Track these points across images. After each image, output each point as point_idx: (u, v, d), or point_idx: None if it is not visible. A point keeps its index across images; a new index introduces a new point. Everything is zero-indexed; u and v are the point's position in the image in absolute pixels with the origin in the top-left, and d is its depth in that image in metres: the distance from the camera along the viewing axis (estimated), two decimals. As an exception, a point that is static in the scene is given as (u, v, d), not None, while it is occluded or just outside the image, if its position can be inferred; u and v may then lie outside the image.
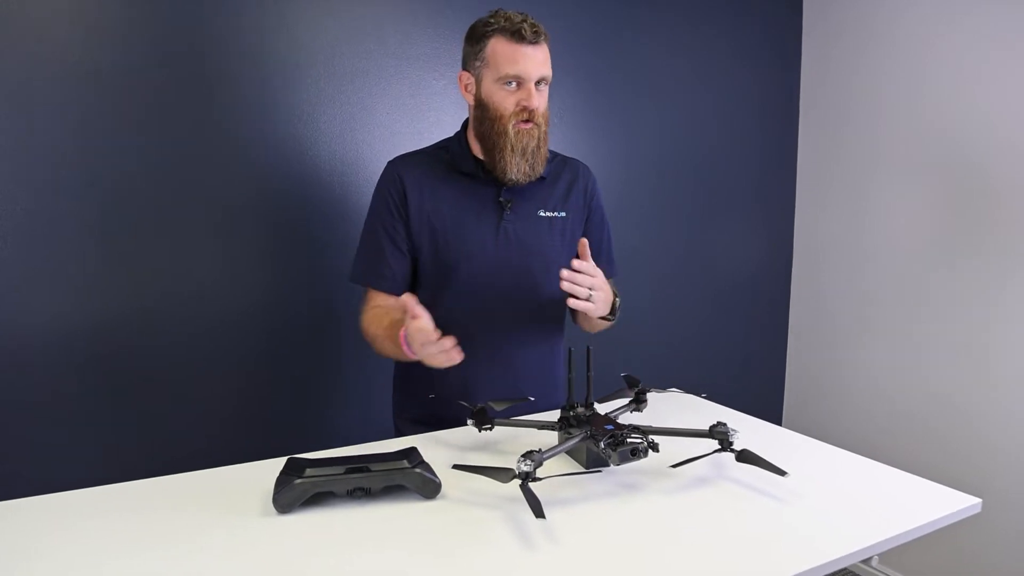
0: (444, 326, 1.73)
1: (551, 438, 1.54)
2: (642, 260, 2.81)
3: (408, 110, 2.34)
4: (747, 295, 3.22)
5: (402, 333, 1.52)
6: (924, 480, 1.41)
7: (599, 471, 1.40)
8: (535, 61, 1.63)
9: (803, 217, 3.27)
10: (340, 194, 2.26)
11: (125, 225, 1.99)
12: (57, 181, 1.90)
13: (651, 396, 1.63)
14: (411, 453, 1.33)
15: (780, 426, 1.78)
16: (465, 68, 1.71)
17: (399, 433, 1.82)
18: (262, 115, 2.13)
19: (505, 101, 1.65)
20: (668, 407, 1.75)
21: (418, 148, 1.83)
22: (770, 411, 3.38)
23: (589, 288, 1.55)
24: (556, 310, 1.84)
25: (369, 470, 1.27)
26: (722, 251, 3.12)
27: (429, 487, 1.29)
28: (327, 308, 2.28)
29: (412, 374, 1.77)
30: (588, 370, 1.57)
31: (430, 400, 1.75)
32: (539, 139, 1.68)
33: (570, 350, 1.58)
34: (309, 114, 2.19)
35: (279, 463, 1.30)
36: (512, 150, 1.66)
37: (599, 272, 1.57)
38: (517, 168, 1.67)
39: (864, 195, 2.98)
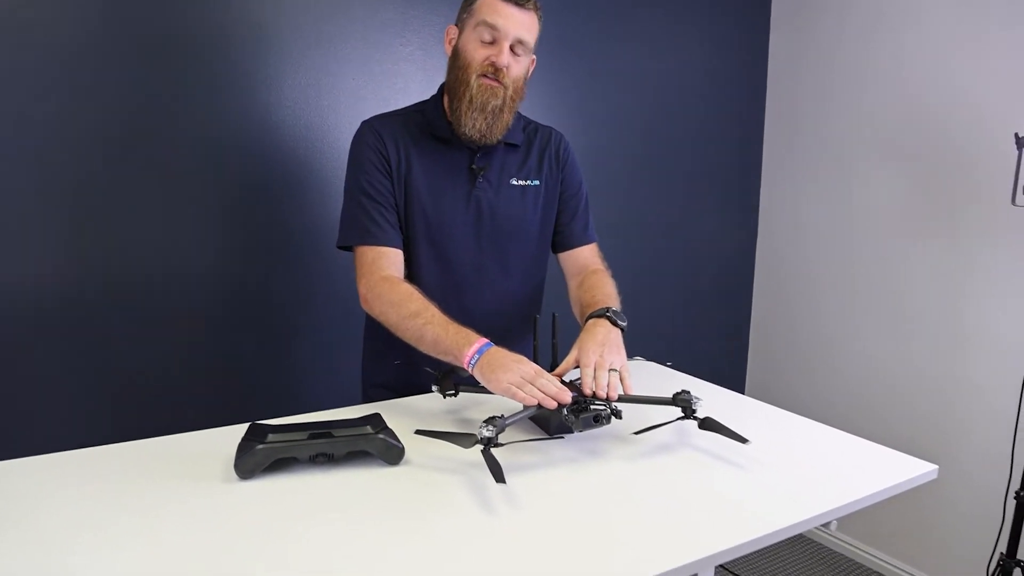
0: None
1: (515, 404, 1.54)
2: (604, 226, 2.81)
3: (374, 76, 2.31)
4: (712, 268, 3.25)
5: (471, 352, 1.43)
6: (882, 447, 1.43)
7: (562, 437, 1.41)
8: (516, 21, 1.59)
9: (768, 192, 3.29)
10: (304, 160, 2.23)
11: (86, 193, 1.95)
12: (17, 149, 1.85)
13: (615, 364, 1.63)
14: (375, 419, 1.33)
15: (743, 395, 1.79)
16: (455, 24, 1.69)
17: (366, 399, 1.81)
18: (224, 80, 2.09)
19: (476, 52, 1.61)
20: (632, 375, 1.76)
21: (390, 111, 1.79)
22: (734, 380, 3.42)
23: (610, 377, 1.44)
24: (528, 279, 1.83)
25: (332, 436, 1.27)
26: (688, 224, 3.13)
27: (392, 453, 1.29)
28: (292, 274, 2.26)
29: (382, 340, 1.75)
30: (553, 337, 1.57)
31: (397, 366, 1.74)
32: (504, 101, 1.63)
33: (535, 317, 1.58)
34: (273, 79, 2.16)
35: (242, 429, 1.30)
36: (471, 102, 1.62)
37: (609, 364, 1.45)
38: (473, 123, 1.63)
39: (829, 169, 3.00)
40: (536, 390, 1.35)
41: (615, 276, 1.77)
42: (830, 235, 3.03)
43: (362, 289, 1.63)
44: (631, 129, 2.90)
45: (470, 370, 1.43)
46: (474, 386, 1.47)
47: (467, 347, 1.44)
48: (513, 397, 1.36)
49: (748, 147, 3.27)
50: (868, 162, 2.86)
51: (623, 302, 1.65)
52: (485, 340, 1.45)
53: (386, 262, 1.65)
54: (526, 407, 1.36)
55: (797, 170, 3.15)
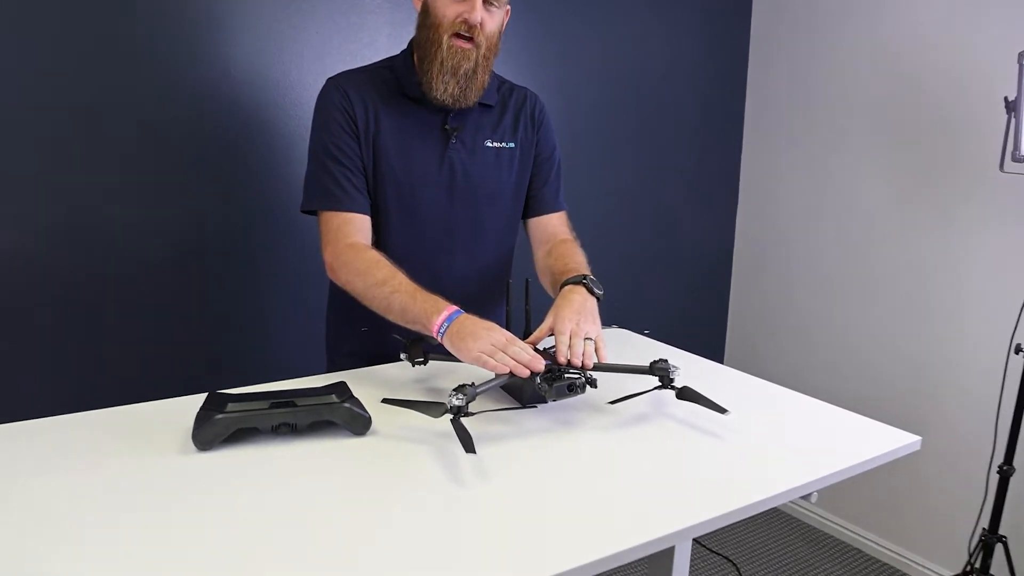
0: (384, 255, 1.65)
1: (486, 373, 1.50)
2: (584, 196, 2.77)
3: (340, 29, 2.23)
4: (692, 235, 3.21)
5: (440, 320, 1.39)
6: (864, 418, 1.41)
7: (534, 407, 1.38)
8: None
9: (748, 162, 3.26)
10: (266, 117, 2.16)
11: (40, 153, 1.88)
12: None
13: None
14: (340, 388, 1.29)
15: (722, 364, 1.77)
16: None
17: (332, 368, 1.76)
18: (183, 32, 2.01)
19: (446, 9, 1.53)
20: (609, 344, 1.72)
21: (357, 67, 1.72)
22: (712, 349, 3.40)
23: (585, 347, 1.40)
24: (501, 244, 1.78)
25: (295, 405, 1.23)
26: (667, 193, 3.09)
27: (358, 422, 1.25)
28: (255, 237, 2.20)
29: (348, 308, 1.70)
30: (527, 303, 1.53)
31: (364, 333, 1.69)
32: (477, 62, 1.56)
33: (508, 283, 1.54)
34: (234, 31, 2.08)
35: (201, 399, 1.25)
36: (442, 65, 1.55)
37: (584, 332, 1.41)
38: (444, 87, 1.57)
39: (809, 138, 2.98)
40: (508, 358, 1.31)
41: (592, 244, 1.73)
42: (811, 204, 3.01)
43: (327, 257, 1.58)
44: (608, 99, 2.84)
45: (439, 339, 1.38)
46: (444, 354, 1.43)
47: (436, 315, 1.39)
48: (484, 366, 1.32)
49: (728, 117, 3.23)
50: (851, 129, 2.83)
51: (601, 270, 1.61)
52: (455, 307, 1.40)
53: (352, 228, 1.59)
54: (498, 375, 1.32)
55: (778, 140, 3.12)
